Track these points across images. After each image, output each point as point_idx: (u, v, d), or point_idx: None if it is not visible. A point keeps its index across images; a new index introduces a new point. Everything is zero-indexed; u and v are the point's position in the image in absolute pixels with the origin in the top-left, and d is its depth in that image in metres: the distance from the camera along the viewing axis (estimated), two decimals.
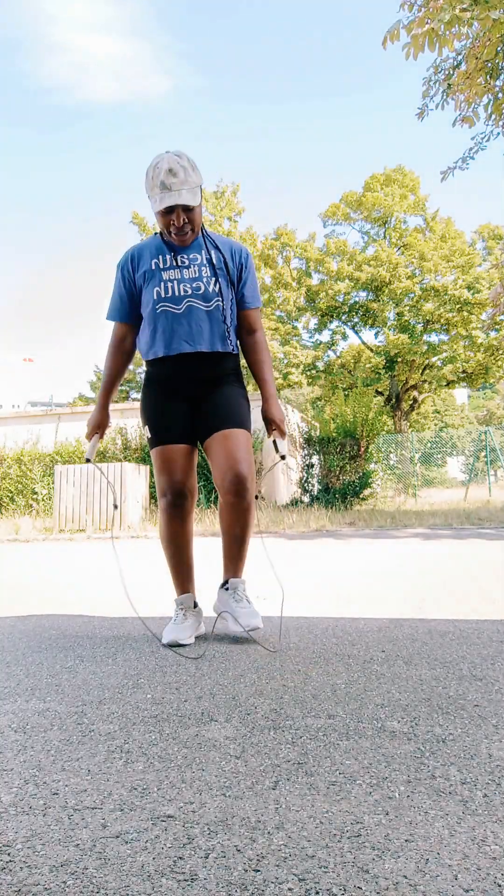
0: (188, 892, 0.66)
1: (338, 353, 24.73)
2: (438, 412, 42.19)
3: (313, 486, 11.64)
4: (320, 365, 24.15)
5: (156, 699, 1.35)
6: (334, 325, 24.54)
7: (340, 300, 23.45)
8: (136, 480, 9.41)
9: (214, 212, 23.87)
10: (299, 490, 11.73)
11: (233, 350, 1.99)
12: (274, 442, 2.00)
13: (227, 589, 1.98)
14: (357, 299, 23.76)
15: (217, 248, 1.97)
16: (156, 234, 1.99)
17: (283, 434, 2.01)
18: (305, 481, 11.63)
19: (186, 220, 1.85)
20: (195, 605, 2.02)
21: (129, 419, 11.91)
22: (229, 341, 1.96)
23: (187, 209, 1.84)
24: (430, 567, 3.82)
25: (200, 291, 1.90)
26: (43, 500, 11.23)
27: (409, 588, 2.98)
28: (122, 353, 2.06)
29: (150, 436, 1.99)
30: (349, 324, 24.49)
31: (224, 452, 1.89)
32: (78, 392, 26.22)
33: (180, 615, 1.97)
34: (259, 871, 0.70)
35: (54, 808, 0.86)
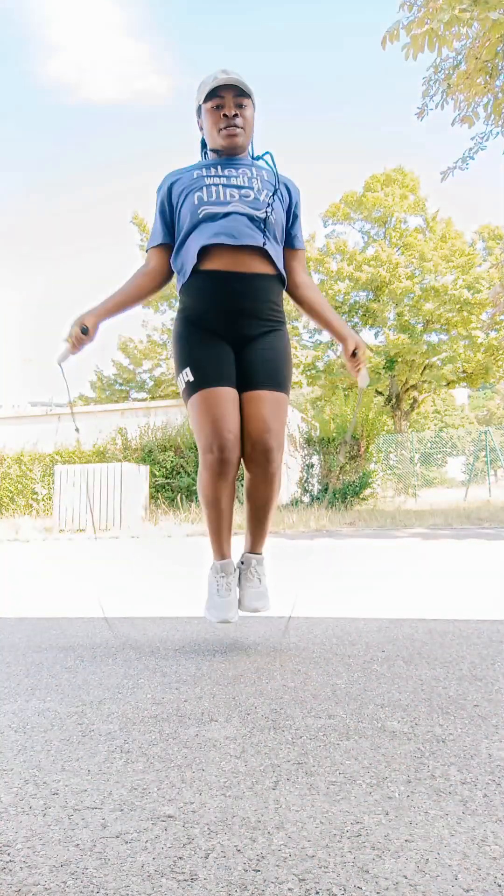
0: (188, 892, 0.66)
1: (338, 353, 24.72)
2: (438, 412, 42.20)
3: (313, 486, 11.65)
4: (320, 365, 24.14)
5: (156, 699, 1.35)
6: None
7: (340, 300, 23.45)
8: (136, 480, 9.41)
9: None
10: (299, 490, 11.74)
11: (282, 272, 1.78)
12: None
13: (241, 563, 1.87)
14: (357, 299, 23.76)
15: (269, 170, 1.82)
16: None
17: (363, 363, 1.84)
18: (305, 481, 11.64)
19: (238, 113, 1.72)
20: (234, 570, 1.86)
21: (128, 419, 11.92)
22: (279, 257, 1.76)
23: (239, 96, 1.71)
24: (430, 567, 3.82)
25: (249, 197, 1.71)
26: (43, 500, 11.23)
27: (409, 588, 2.98)
28: (145, 275, 1.83)
29: (190, 378, 1.71)
30: (349, 324, 24.44)
31: (256, 417, 1.70)
32: (78, 392, 26.24)
33: (223, 584, 1.78)
34: (259, 871, 0.70)
35: (54, 808, 0.86)
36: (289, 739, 1.09)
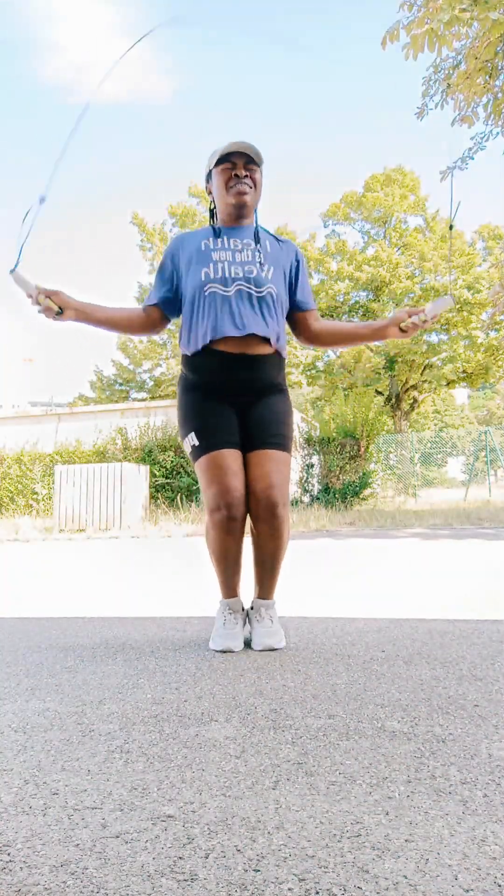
0: (188, 892, 0.66)
1: (337, 353, 24.72)
2: (438, 412, 42.20)
3: (313, 486, 11.65)
4: (320, 365, 24.14)
5: (156, 699, 1.35)
6: None
7: (340, 300, 23.46)
8: (136, 480, 9.41)
9: None
10: (299, 490, 11.74)
11: (281, 350, 1.85)
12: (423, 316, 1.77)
13: (252, 608, 1.92)
14: (357, 299, 23.76)
15: (273, 239, 1.90)
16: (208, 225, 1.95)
17: (423, 314, 1.80)
18: (305, 481, 11.64)
19: (248, 175, 1.80)
20: (242, 608, 1.92)
21: (128, 419, 11.92)
22: (280, 334, 1.83)
23: (251, 164, 1.80)
24: (430, 567, 3.82)
25: (252, 275, 1.78)
26: (43, 500, 11.23)
27: (410, 588, 2.98)
28: (141, 318, 1.89)
29: (195, 443, 1.79)
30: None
31: (260, 475, 1.76)
32: (78, 392, 26.24)
33: (230, 620, 1.86)
34: (259, 871, 0.70)
35: (54, 808, 0.86)
36: (289, 739, 1.09)
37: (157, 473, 10.55)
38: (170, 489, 10.47)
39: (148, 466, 10.09)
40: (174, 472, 10.61)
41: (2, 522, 9.70)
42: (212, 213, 1.96)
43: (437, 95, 7.38)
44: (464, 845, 0.74)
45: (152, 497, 10.31)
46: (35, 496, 11.34)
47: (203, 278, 1.78)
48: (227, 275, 1.78)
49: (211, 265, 1.79)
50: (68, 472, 9.31)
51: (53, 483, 9.74)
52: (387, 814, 0.82)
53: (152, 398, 22.64)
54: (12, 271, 1.68)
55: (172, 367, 22.28)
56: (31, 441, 12.32)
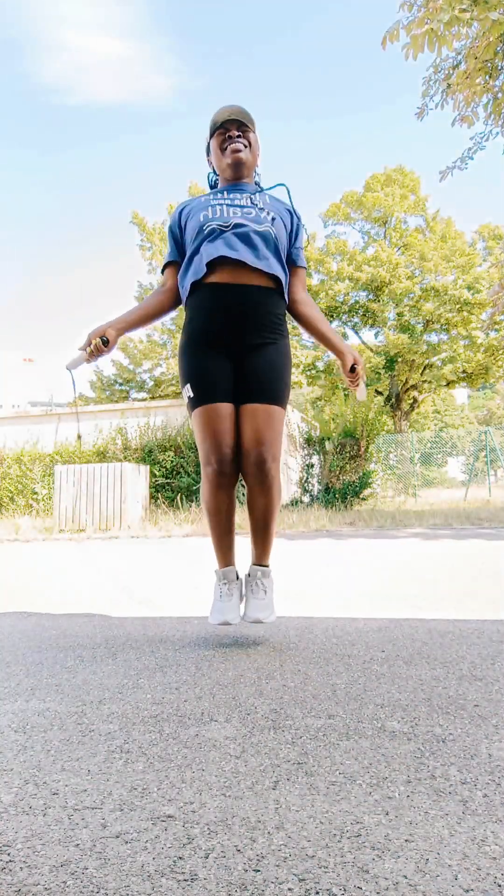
0: (188, 892, 0.66)
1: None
2: (438, 412, 42.20)
3: (313, 486, 11.65)
4: (320, 365, 24.15)
5: (156, 699, 1.35)
6: (334, 325, 24.52)
7: (340, 300, 23.45)
8: (136, 480, 9.41)
9: None
10: (299, 490, 11.74)
11: (283, 284, 1.85)
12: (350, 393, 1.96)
13: (248, 574, 1.92)
14: (357, 299, 23.76)
15: (273, 197, 1.94)
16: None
17: (361, 378, 1.92)
18: (305, 481, 11.63)
19: (241, 134, 1.86)
20: (237, 577, 1.93)
21: (128, 419, 11.92)
22: (279, 272, 1.83)
23: (243, 126, 1.86)
24: (430, 567, 3.82)
25: (251, 215, 1.82)
26: (43, 500, 11.23)
27: (409, 588, 2.98)
28: (163, 292, 1.94)
29: (191, 395, 1.82)
30: (349, 324, 24.49)
31: (252, 430, 1.77)
32: (78, 392, 26.24)
33: (224, 590, 1.87)
34: (259, 871, 0.70)
35: (54, 808, 0.86)
36: (289, 739, 1.09)
37: (157, 473, 10.55)
38: (170, 489, 10.47)
39: (148, 466, 10.09)
40: (174, 472, 10.61)
41: (2, 522, 9.71)
42: (212, 187, 2.02)
43: (437, 95, 7.38)
44: (464, 845, 0.74)
45: (152, 497, 10.31)
46: (35, 496, 11.34)
47: (202, 219, 1.83)
48: (225, 215, 1.82)
49: (210, 208, 1.84)
50: (68, 472, 9.31)
51: (53, 483, 9.74)
52: (387, 814, 0.82)
53: (152, 398, 22.64)
54: (68, 367, 1.88)
55: (172, 367, 22.28)
56: (31, 441, 12.32)
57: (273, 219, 1.84)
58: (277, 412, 1.81)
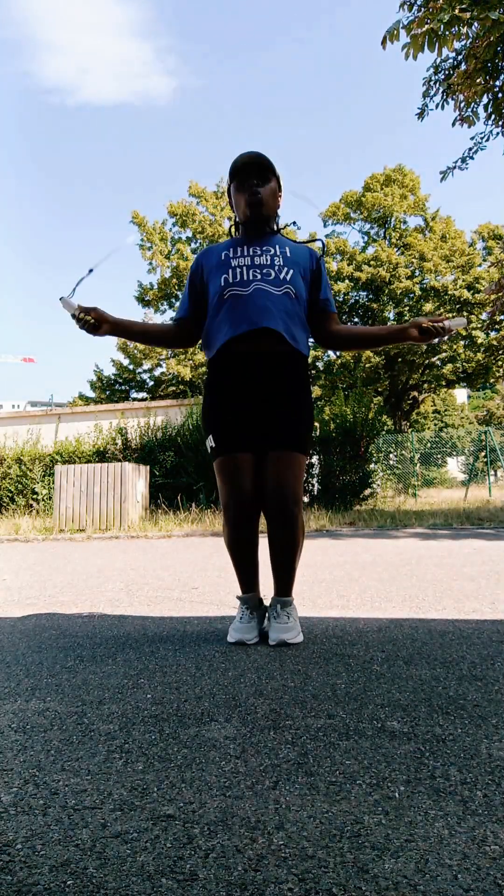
0: (188, 892, 0.66)
1: (338, 353, 24.71)
2: (438, 412, 42.20)
3: (313, 486, 11.65)
4: (320, 365, 24.15)
5: (156, 699, 1.35)
6: None
7: (340, 300, 23.45)
8: (136, 480, 9.41)
9: (215, 212, 23.86)
10: None
11: (301, 348, 1.88)
12: (438, 330, 1.82)
13: (270, 606, 1.97)
14: (357, 299, 23.76)
15: (292, 244, 1.95)
16: (231, 238, 2.02)
17: (441, 321, 1.84)
18: (305, 481, 11.64)
19: (259, 183, 1.87)
20: (260, 604, 2.00)
21: (128, 419, 11.92)
22: (299, 334, 1.86)
23: (262, 171, 1.86)
24: (430, 567, 3.82)
25: (270, 277, 1.83)
26: (43, 500, 11.23)
27: (409, 588, 2.98)
28: (174, 327, 1.99)
29: (213, 445, 1.90)
30: (349, 324, 24.51)
31: (273, 475, 1.83)
32: (78, 392, 26.22)
33: (246, 614, 1.94)
34: (259, 871, 0.70)
35: (54, 808, 0.86)
36: (289, 739, 1.09)
37: (157, 473, 10.55)
38: (170, 489, 10.46)
39: (148, 466, 10.08)
40: (174, 472, 10.60)
41: (2, 522, 9.71)
42: (234, 226, 2.03)
43: (438, 96, 7.38)
44: (464, 845, 0.74)
45: (152, 497, 10.30)
46: (35, 496, 11.34)
47: (223, 283, 1.85)
48: (245, 278, 1.83)
49: (230, 271, 1.85)
50: (68, 472, 9.31)
51: (53, 483, 9.74)
52: (387, 814, 0.82)
53: (152, 398, 22.64)
54: (62, 298, 1.80)
55: (172, 367, 22.28)
56: (31, 441, 12.32)
57: (292, 275, 1.86)
58: (299, 458, 1.86)
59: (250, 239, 1.92)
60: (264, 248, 1.88)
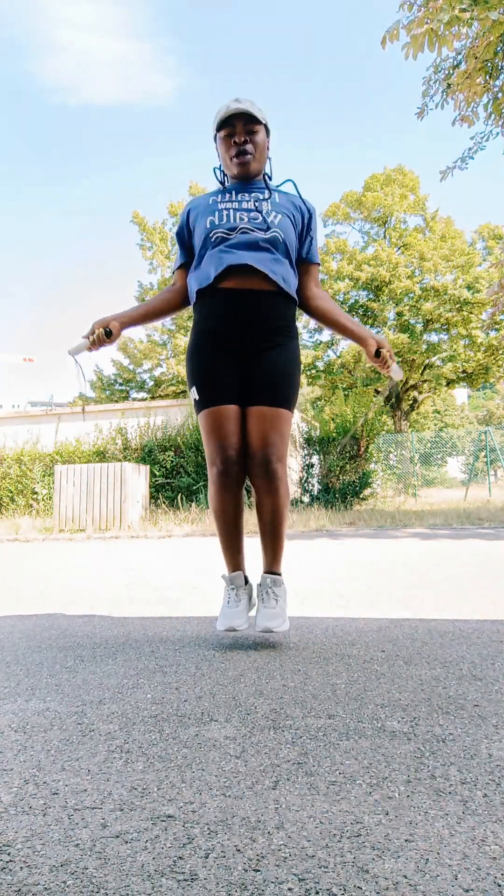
0: (188, 892, 0.66)
1: (338, 353, 24.72)
2: (438, 412, 42.20)
3: (313, 486, 11.64)
4: (320, 365, 24.15)
5: (156, 699, 1.35)
6: None
7: (340, 300, 23.45)
8: (136, 480, 9.41)
9: None
10: (299, 490, 11.73)
11: (290, 291, 1.83)
12: (388, 377, 1.89)
13: (259, 583, 1.91)
14: (357, 299, 23.76)
15: (283, 194, 1.91)
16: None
17: (391, 358, 1.87)
18: (305, 481, 11.63)
19: (248, 140, 1.82)
20: (246, 582, 1.94)
21: (128, 419, 11.91)
22: (286, 276, 1.82)
23: (249, 123, 1.80)
24: (430, 567, 3.82)
25: (258, 220, 1.80)
26: (43, 500, 11.23)
27: (409, 588, 2.98)
28: (172, 291, 1.95)
29: (196, 397, 1.84)
30: None
31: (258, 432, 1.78)
32: (78, 392, 26.21)
33: (233, 596, 1.88)
34: (259, 871, 0.70)
35: (54, 808, 0.86)
36: (289, 739, 1.09)
37: (157, 473, 10.55)
38: (170, 489, 10.46)
39: (148, 466, 10.08)
40: (174, 472, 10.60)
41: (2, 522, 9.70)
42: (217, 172, 1.97)
43: (438, 95, 7.38)
44: (464, 845, 0.74)
45: (152, 497, 10.30)
46: (35, 496, 11.34)
47: (208, 225, 1.82)
48: (232, 220, 1.80)
49: (216, 213, 1.83)
50: (68, 472, 9.31)
51: (53, 483, 9.74)
52: (387, 814, 0.82)
53: (152, 398, 22.63)
54: (69, 351, 1.85)
55: (172, 367, 22.28)
56: (31, 441, 12.32)
57: (280, 220, 1.82)
58: (284, 415, 1.82)
59: (238, 186, 1.90)
60: (252, 194, 1.86)
